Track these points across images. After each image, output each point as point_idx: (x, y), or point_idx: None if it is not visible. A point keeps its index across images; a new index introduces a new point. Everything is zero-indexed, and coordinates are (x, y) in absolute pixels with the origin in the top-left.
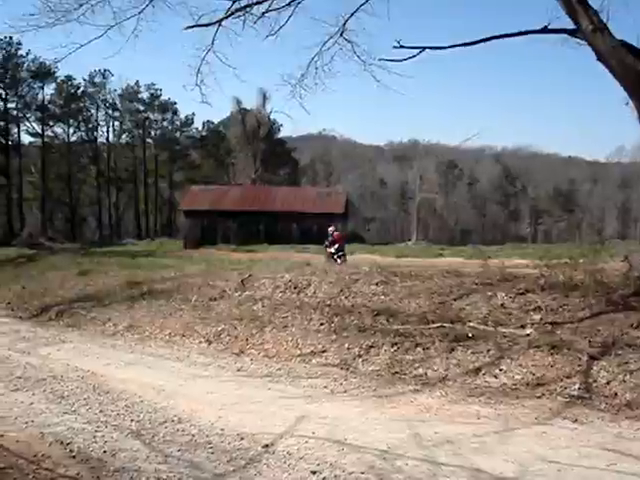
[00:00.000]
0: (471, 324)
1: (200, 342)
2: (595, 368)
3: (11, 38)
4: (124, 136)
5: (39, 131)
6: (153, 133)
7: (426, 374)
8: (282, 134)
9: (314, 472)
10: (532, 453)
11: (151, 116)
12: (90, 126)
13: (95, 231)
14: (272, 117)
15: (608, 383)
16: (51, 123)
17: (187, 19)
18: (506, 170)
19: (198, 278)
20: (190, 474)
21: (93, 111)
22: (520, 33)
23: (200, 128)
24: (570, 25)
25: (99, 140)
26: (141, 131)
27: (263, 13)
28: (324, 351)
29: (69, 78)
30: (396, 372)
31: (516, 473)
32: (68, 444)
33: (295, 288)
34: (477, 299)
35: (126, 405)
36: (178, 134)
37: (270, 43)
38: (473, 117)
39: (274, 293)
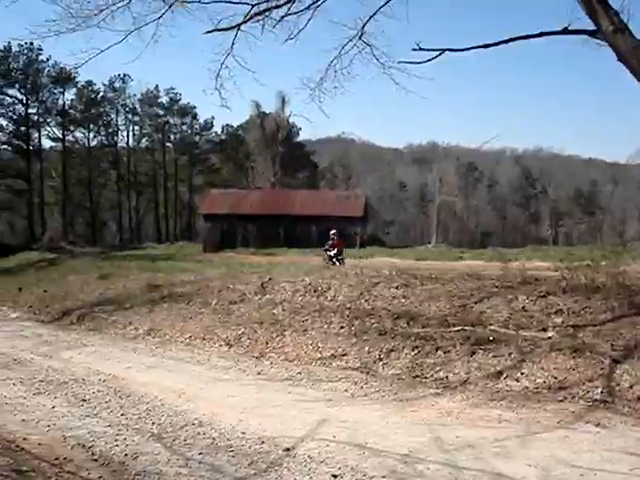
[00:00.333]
0: (492, 327)
1: (220, 345)
2: (618, 371)
3: (32, 44)
4: (144, 140)
5: (60, 136)
6: (173, 137)
7: (447, 378)
8: (301, 137)
9: (335, 476)
10: (554, 457)
11: (171, 120)
12: (110, 131)
13: (115, 235)
14: (291, 120)
15: (631, 387)
16: (72, 128)
17: (206, 24)
18: (526, 172)
19: (218, 281)
20: (211, 477)
21: (113, 116)
22: (540, 34)
23: (219, 132)
24: (590, 26)
25: (119, 144)
26: (161, 135)
27: (282, 17)
28: (344, 354)
29: (89, 83)
30: (417, 376)
31: (538, 477)
32: (90, 447)
33: (315, 291)
34: (498, 302)
35: (147, 408)
36: (197, 138)
37: (289, 47)
38: (492, 119)
39: (294, 296)
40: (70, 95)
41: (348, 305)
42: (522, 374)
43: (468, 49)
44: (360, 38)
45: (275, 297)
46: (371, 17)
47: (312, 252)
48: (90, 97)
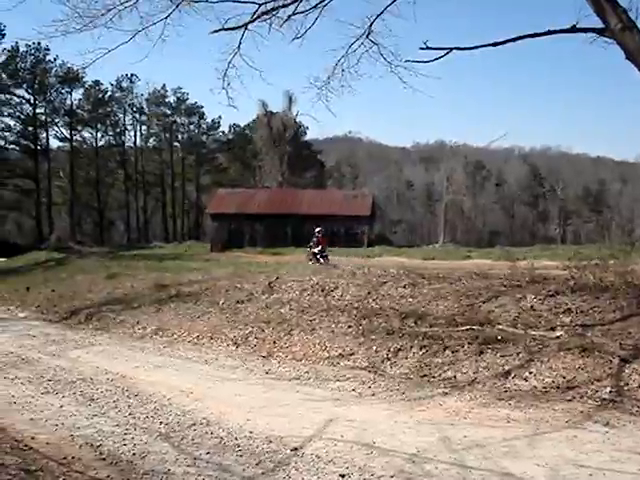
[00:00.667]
0: (500, 327)
1: (228, 345)
2: (626, 371)
3: (39, 44)
4: (151, 140)
5: (67, 136)
6: (180, 137)
7: (455, 377)
8: (308, 137)
9: (343, 475)
10: (563, 457)
11: (178, 120)
12: (118, 130)
13: (123, 234)
14: (298, 120)
15: None
16: (79, 128)
17: (214, 23)
18: (534, 170)
19: (225, 281)
20: (219, 477)
21: (120, 115)
22: (548, 32)
23: (226, 131)
24: (598, 24)
25: (127, 144)
26: (168, 135)
27: (289, 16)
28: (352, 354)
29: (97, 83)
30: (425, 375)
31: (547, 477)
32: (98, 446)
33: (322, 291)
34: (506, 301)
35: (155, 408)
36: (205, 137)
37: (296, 46)
38: (500, 118)
39: (301, 296)
40: (77, 95)
41: (355, 304)
42: (530, 373)
43: (476, 47)
44: (367, 37)
45: (282, 296)
46: (378, 16)
47: None
48: (97, 97)
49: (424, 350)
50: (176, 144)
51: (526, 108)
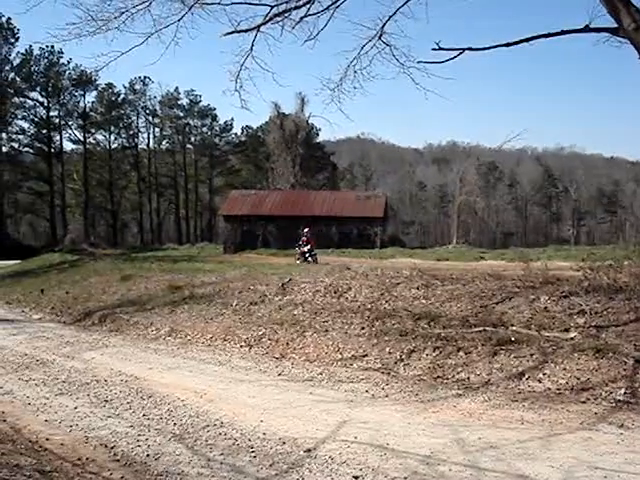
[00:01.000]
0: (514, 328)
1: (241, 346)
2: None
3: (53, 47)
4: (164, 142)
5: (81, 138)
6: (193, 139)
7: (469, 378)
8: (320, 138)
9: (356, 477)
10: (577, 459)
11: (191, 122)
12: (131, 133)
13: (136, 236)
14: (310, 121)
15: None
16: (93, 130)
17: (226, 25)
18: (548, 171)
19: (239, 282)
20: (233, 478)
21: (134, 118)
22: (561, 32)
23: (239, 133)
24: (612, 24)
25: (140, 146)
26: (181, 137)
27: (302, 18)
28: (365, 355)
29: (110, 86)
30: (438, 376)
31: (561, 479)
32: (112, 448)
33: (335, 292)
34: (519, 302)
35: (169, 409)
36: (217, 140)
37: (308, 47)
38: (513, 118)
39: (314, 297)
40: (91, 97)
41: (369, 306)
42: (544, 375)
43: (489, 48)
44: (379, 38)
45: (295, 298)
46: (390, 17)
47: (332, 252)
48: (111, 99)
49: (437, 351)
50: (189, 146)
51: (539, 108)
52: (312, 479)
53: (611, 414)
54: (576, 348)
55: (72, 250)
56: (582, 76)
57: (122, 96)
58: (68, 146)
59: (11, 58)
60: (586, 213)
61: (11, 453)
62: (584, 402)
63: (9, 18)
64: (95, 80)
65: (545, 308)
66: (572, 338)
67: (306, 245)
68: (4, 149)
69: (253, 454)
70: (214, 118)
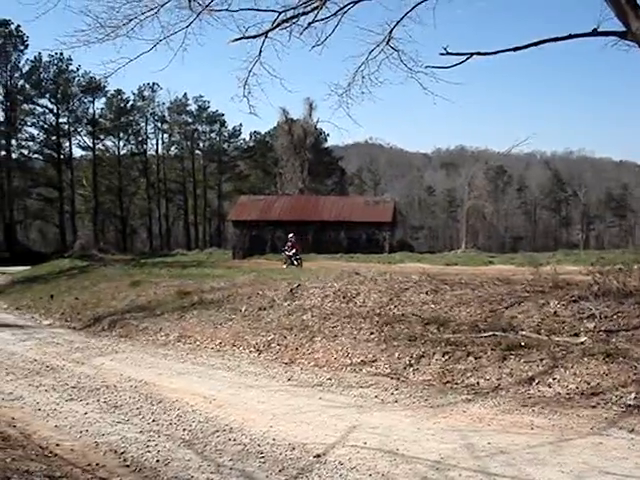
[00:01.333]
0: (523, 332)
1: (250, 352)
2: None
3: (62, 54)
4: (173, 148)
5: (90, 145)
6: (201, 145)
7: (478, 383)
8: (329, 143)
9: None
10: (588, 464)
11: (199, 128)
12: (140, 139)
13: (146, 242)
14: (319, 127)
15: None
16: (102, 136)
17: (234, 31)
18: (556, 175)
19: (247, 288)
20: None
21: (142, 124)
22: (569, 37)
23: (247, 139)
24: (620, 27)
25: (149, 152)
26: (190, 143)
27: (309, 23)
28: (374, 360)
29: (119, 92)
30: (448, 381)
31: None
32: (122, 453)
33: (344, 297)
34: (529, 307)
35: (178, 415)
36: (226, 145)
37: (316, 53)
38: (521, 122)
39: (323, 302)
40: (100, 104)
41: (378, 311)
42: (554, 380)
43: (496, 53)
44: (387, 43)
45: (304, 303)
46: (398, 22)
47: (341, 257)
48: (120, 106)
49: (447, 356)
50: (198, 152)
51: (548, 112)
52: None
53: (622, 419)
54: (586, 353)
55: (81, 256)
56: (591, 80)
57: (131, 102)
58: (77, 152)
59: (20, 65)
60: (595, 217)
61: (21, 459)
62: (594, 407)
63: (18, 25)
64: (104, 87)
65: (555, 312)
66: (582, 343)
67: (291, 249)
68: (14, 156)
69: (262, 460)
70: (222, 124)
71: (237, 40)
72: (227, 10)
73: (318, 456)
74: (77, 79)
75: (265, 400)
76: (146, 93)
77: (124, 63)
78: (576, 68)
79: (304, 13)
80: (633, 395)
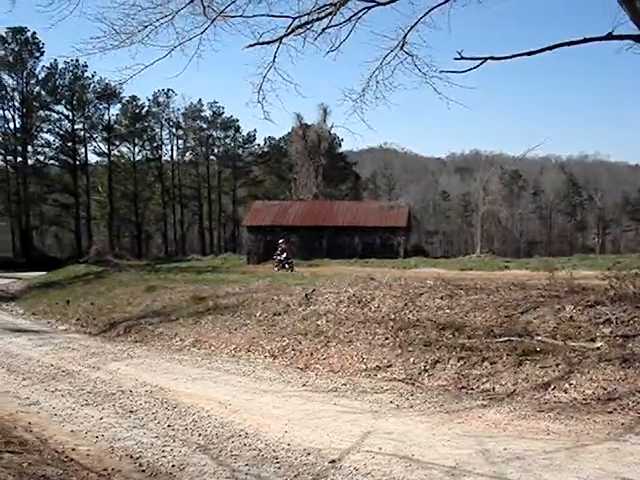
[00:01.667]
0: (539, 338)
1: (265, 357)
2: None
3: (77, 61)
4: (188, 154)
5: (105, 151)
6: (216, 150)
7: (494, 389)
8: (343, 148)
9: None
10: (604, 470)
11: (214, 134)
12: (155, 145)
13: (161, 247)
14: (333, 132)
15: None
16: (117, 143)
17: (249, 37)
18: (572, 179)
19: (262, 293)
20: None
21: (157, 130)
22: (584, 40)
23: (262, 144)
24: (635, 31)
25: (164, 158)
26: (204, 149)
27: (324, 29)
28: (389, 366)
29: (134, 98)
30: (463, 387)
31: None
32: (137, 458)
33: (359, 302)
34: (545, 312)
35: (193, 420)
36: (240, 151)
37: (330, 58)
38: (536, 126)
39: (338, 308)
40: (115, 110)
41: (392, 316)
42: (570, 385)
43: (511, 57)
44: (402, 48)
45: (319, 308)
46: (412, 27)
47: (356, 262)
48: (135, 112)
49: (462, 362)
50: (212, 157)
51: (562, 116)
52: None
53: (638, 424)
54: (602, 358)
55: (97, 261)
56: (606, 83)
57: (146, 108)
58: (93, 158)
59: (36, 72)
60: (611, 221)
61: (38, 464)
62: (611, 412)
63: (34, 33)
64: (119, 93)
65: (571, 317)
66: (598, 348)
67: (282, 254)
68: (30, 162)
69: (278, 465)
70: (237, 129)
71: (252, 46)
72: (241, 16)
73: (333, 461)
74: (92, 85)
75: (280, 405)
76: (161, 99)
77: (139, 69)
78: (591, 72)
79: (318, 19)
80: None
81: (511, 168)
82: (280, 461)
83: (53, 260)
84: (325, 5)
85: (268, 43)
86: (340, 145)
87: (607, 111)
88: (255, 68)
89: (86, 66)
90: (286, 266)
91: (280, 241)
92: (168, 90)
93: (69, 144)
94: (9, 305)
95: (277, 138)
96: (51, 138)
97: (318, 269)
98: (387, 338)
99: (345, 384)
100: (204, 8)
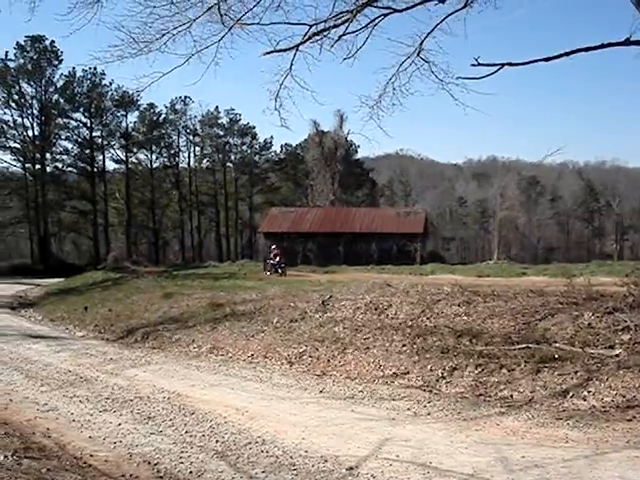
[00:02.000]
0: (557, 345)
1: (282, 363)
2: None
3: (95, 69)
4: (205, 161)
5: (123, 158)
6: (233, 157)
7: (512, 396)
8: (359, 155)
9: None
10: (624, 478)
11: (231, 141)
12: (172, 152)
13: (178, 254)
14: (349, 138)
15: None
16: (134, 150)
17: (266, 45)
18: (590, 185)
19: (279, 300)
20: None
21: (175, 137)
22: (602, 46)
23: (278, 151)
24: None
25: (181, 165)
26: (221, 155)
27: (340, 36)
28: (406, 373)
29: (151, 106)
30: (481, 394)
31: None
32: (155, 464)
33: (376, 309)
34: (563, 319)
35: (211, 426)
36: (257, 157)
37: (347, 65)
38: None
39: (355, 314)
40: (133, 118)
41: (410, 323)
42: (589, 393)
43: (528, 63)
44: (418, 55)
45: (336, 315)
46: (429, 34)
47: (372, 269)
48: (152, 119)
49: (480, 369)
50: (229, 164)
51: (580, 122)
52: None
53: None
54: (621, 365)
55: (115, 268)
56: (624, 89)
57: (163, 116)
58: (110, 165)
59: (55, 80)
60: (629, 227)
61: (56, 469)
62: (630, 420)
63: (52, 41)
64: (137, 101)
65: (589, 324)
66: (617, 355)
67: (275, 258)
68: (48, 169)
69: (295, 472)
70: (254, 136)
71: (268, 53)
72: (258, 24)
73: (350, 469)
74: (110, 93)
75: (297, 412)
76: (178, 106)
77: (157, 77)
78: (609, 77)
79: (335, 26)
80: None
81: (528, 174)
82: (297, 468)
83: (71, 267)
84: (342, 12)
85: (285, 50)
86: (356, 152)
87: (625, 116)
88: (272, 75)
89: (104, 74)
90: (279, 271)
91: (272, 247)
92: (185, 97)
93: (87, 151)
94: (27, 311)
95: (294, 145)
96: (69, 145)
97: (335, 276)
98: (404, 345)
99: (362, 391)
100: (221, 16)
